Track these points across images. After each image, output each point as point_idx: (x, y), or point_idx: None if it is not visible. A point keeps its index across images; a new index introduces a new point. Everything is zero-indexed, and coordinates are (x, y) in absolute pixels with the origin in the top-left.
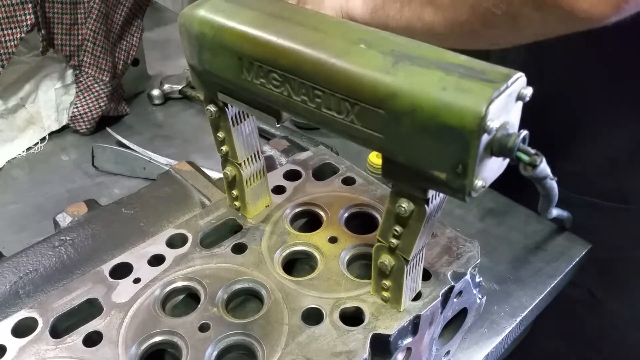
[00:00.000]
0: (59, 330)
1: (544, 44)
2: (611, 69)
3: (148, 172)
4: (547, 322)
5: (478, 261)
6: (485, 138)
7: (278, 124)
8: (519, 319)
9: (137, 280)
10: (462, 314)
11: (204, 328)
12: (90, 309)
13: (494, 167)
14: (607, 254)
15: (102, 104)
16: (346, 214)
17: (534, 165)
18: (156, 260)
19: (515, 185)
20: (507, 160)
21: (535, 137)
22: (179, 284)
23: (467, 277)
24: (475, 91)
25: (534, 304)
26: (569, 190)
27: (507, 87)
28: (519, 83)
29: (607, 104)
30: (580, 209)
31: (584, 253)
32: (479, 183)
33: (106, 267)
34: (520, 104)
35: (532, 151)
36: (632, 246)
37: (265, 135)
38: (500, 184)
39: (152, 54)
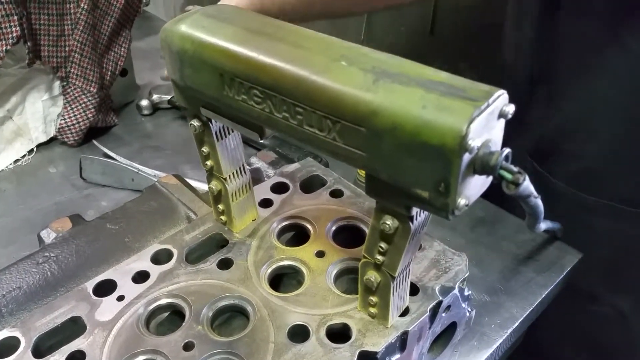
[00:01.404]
0: (41, 349)
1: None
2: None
3: (136, 183)
4: (571, 342)
5: (466, 275)
6: (466, 157)
7: (261, 139)
8: (509, 330)
9: (121, 298)
10: (451, 327)
11: (188, 347)
12: (74, 327)
13: (477, 185)
14: (630, 266)
15: (89, 115)
16: (334, 227)
17: (517, 184)
18: (141, 276)
19: (506, 194)
20: (491, 177)
21: (547, 134)
22: (164, 301)
23: (456, 291)
24: (455, 109)
25: (524, 315)
26: (583, 192)
27: (488, 105)
28: (500, 100)
29: (626, 96)
30: (597, 214)
31: (575, 263)
32: (462, 201)
33: (90, 285)
34: (502, 121)
35: (515, 169)
36: None
37: (254, 146)
38: (491, 193)
39: (141, 63)
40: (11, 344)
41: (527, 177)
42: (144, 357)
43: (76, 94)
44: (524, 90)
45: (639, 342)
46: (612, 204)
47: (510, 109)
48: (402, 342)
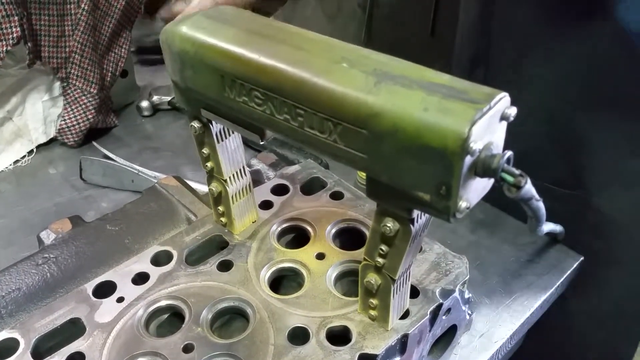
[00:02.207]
0: (41, 351)
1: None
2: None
3: (137, 184)
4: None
5: (467, 277)
6: (468, 159)
7: (262, 141)
8: (510, 333)
9: (120, 300)
10: (451, 330)
11: (188, 349)
12: (73, 329)
13: (478, 188)
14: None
15: (90, 116)
16: (334, 230)
17: (519, 187)
18: (140, 278)
19: (507, 197)
20: (492, 180)
21: None
22: (163, 303)
23: (456, 294)
24: (457, 112)
25: (524, 317)
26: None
27: (490, 108)
28: (502, 103)
29: (559, 78)
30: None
31: (575, 266)
32: (463, 204)
33: (89, 286)
34: (504, 123)
35: (517, 172)
36: (590, 238)
37: (254, 147)
38: (491, 196)
39: (141, 64)
40: (10, 346)
41: (528, 180)
42: (144, 359)
43: (76, 95)
44: (466, 72)
45: (576, 325)
46: (546, 185)
47: (512, 111)
48: (402, 345)
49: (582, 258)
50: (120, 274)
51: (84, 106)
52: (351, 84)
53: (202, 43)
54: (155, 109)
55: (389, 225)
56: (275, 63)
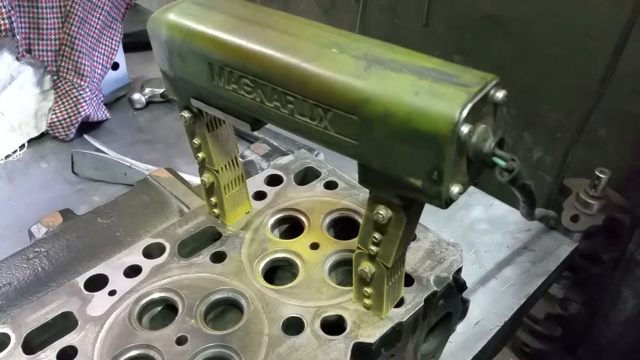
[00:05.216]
0: (32, 345)
1: None
2: None
3: (129, 177)
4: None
5: (461, 265)
6: (459, 144)
7: (252, 130)
8: (505, 320)
9: (112, 293)
10: (447, 317)
11: (181, 341)
12: (65, 322)
13: (470, 173)
14: None
15: (81, 109)
16: (328, 219)
17: (511, 171)
18: (132, 271)
19: (501, 184)
20: (484, 164)
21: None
22: (156, 295)
23: (451, 281)
24: (448, 96)
25: (520, 305)
26: None
27: (481, 91)
28: (493, 86)
29: None
30: None
31: (569, 253)
32: (455, 189)
33: (81, 280)
34: (495, 107)
35: (509, 156)
36: None
37: (247, 138)
38: (485, 183)
39: (133, 57)
40: (1, 341)
41: (520, 164)
42: (137, 352)
43: (67, 88)
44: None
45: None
46: None
47: (502, 94)
48: (397, 333)
49: (576, 245)
50: (112, 267)
51: (75, 99)
52: (341, 69)
53: (189, 30)
54: (148, 101)
55: (381, 212)
56: (264, 49)
